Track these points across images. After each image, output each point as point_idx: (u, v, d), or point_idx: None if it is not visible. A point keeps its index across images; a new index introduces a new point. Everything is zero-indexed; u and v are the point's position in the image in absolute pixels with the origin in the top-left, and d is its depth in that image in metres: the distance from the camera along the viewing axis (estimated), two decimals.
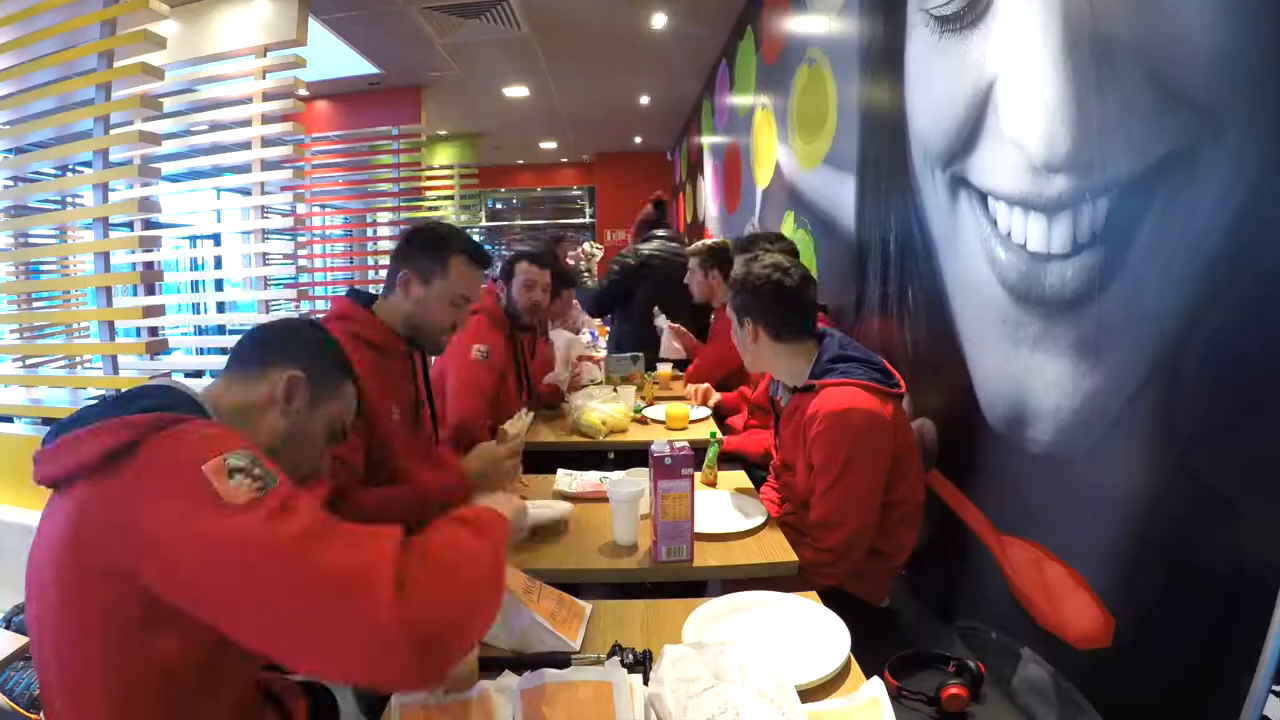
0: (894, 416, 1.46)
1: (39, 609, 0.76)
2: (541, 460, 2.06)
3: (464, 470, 1.46)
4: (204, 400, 0.84)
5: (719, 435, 1.88)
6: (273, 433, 0.89)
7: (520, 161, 10.03)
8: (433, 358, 1.64)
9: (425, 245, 1.44)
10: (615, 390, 2.54)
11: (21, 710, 1.64)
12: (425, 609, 0.67)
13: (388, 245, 5.45)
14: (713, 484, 1.73)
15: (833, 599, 1.18)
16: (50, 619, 0.74)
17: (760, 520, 1.49)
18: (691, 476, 1.29)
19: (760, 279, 1.54)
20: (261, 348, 0.94)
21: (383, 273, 1.73)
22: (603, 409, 2.28)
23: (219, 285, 5.67)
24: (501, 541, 0.84)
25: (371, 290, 1.50)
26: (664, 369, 2.97)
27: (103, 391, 2.62)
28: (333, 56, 4.78)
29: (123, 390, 0.82)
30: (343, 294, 1.51)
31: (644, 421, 2.41)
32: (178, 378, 0.95)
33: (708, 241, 2.98)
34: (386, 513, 1.33)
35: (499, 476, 1.48)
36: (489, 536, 0.81)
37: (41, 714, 1.60)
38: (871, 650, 1.07)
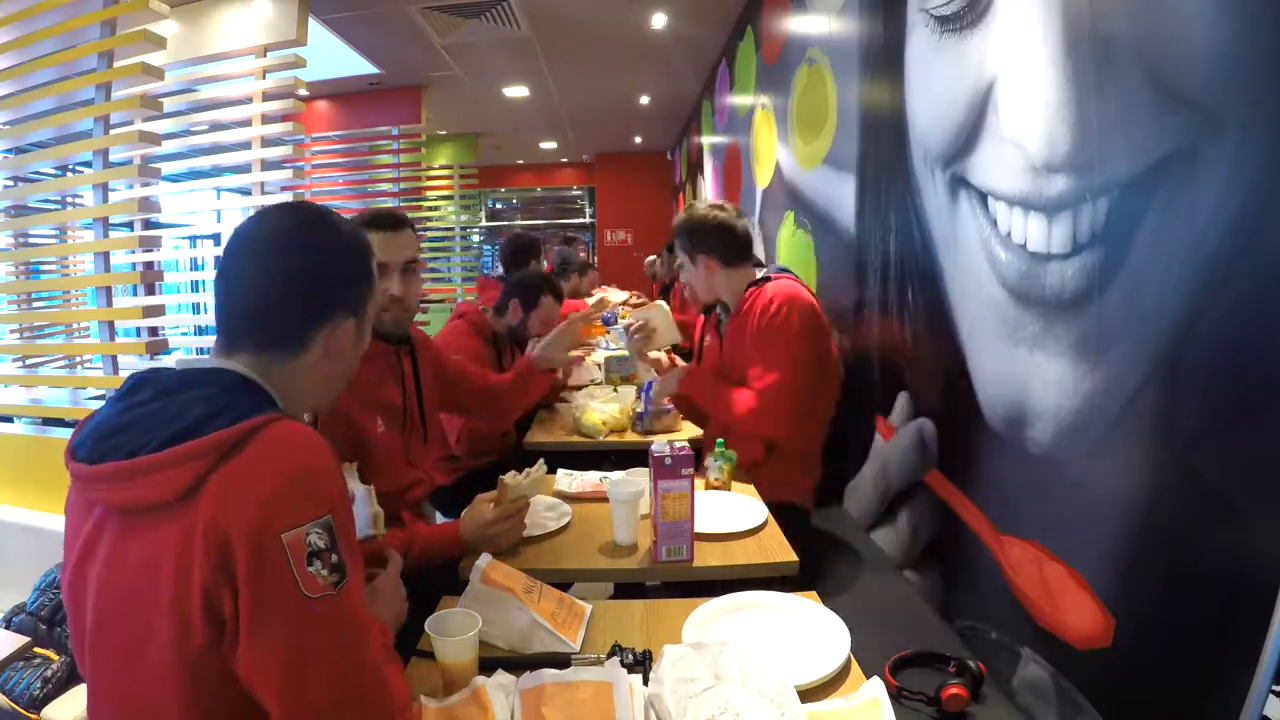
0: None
1: (125, 637, 0.72)
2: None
3: (460, 536, 1.37)
4: (262, 382, 0.78)
5: (731, 454, 1.78)
6: (326, 380, 0.86)
7: (520, 161, 10.02)
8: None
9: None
10: (615, 390, 2.54)
11: (21, 710, 1.63)
12: None
13: None
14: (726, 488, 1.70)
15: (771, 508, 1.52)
16: (155, 648, 0.69)
17: (760, 520, 1.49)
18: (691, 476, 1.29)
19: (704, 216, 1.89)
20: (294, 316, 0.81)
21: None
22: (603, 409, 2.28)
23: None
24: None
25: None
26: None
27: (103, 392, 2.62)
28: (333, 56, 4.78)
29: (162, 373, 0.75)
30: None
31: None
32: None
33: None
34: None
35: (493, 542, 1.34)
36: None
37: (41, 714, 1.61)
38: (872, 642, 1.07)
